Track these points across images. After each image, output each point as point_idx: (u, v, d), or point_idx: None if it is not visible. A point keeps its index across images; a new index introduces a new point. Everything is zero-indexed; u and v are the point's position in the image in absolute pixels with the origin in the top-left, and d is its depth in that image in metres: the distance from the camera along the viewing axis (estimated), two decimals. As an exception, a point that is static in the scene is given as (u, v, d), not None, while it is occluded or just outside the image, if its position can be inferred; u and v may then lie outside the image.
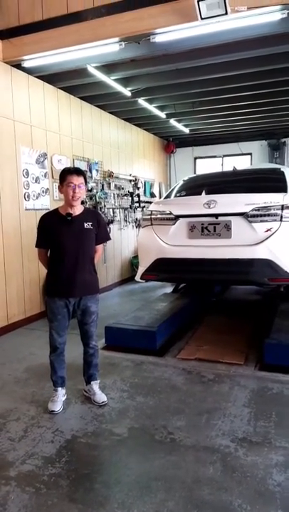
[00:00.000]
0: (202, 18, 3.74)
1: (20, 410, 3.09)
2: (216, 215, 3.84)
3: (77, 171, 2.94)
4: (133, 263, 8.46)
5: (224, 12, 3.65)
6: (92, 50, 4.52)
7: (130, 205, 8.26)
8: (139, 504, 2.07)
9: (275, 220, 3.68)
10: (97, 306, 3.13)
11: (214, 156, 10.37)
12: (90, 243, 3.02)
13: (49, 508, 2.07)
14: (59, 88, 6.03)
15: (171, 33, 4.13)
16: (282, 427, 2.75)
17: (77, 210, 3.00)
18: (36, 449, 2.57)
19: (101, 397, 3.16)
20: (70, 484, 2.24)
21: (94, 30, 4.31)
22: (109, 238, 3.28)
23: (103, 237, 3.17)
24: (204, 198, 3.99)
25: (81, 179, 2.92)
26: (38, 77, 5.51)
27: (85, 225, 2.98)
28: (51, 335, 3.08)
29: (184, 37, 4.16)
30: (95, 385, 3.21)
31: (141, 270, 4.27)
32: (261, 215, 3.69)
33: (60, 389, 3.12)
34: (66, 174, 2.91)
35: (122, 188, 7.99)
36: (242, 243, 3.76)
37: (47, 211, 3.15)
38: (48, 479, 2.29)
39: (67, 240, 2.93)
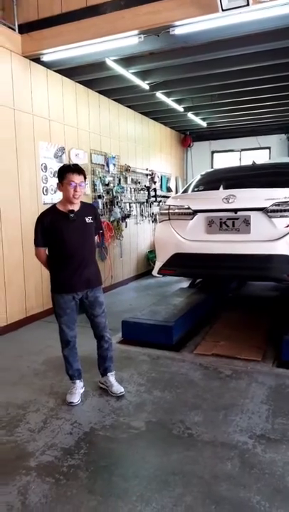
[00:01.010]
0: (223, 10, 3.68)
1: (39, 402, 3.14)
2: (235, 210, 3.79)
3: (78, 169, 2.90)
4: (149, 258, 8.46)
5: (246, 3, 3.58)
6: (111, 43, 4.50)
7: (147, 200, 8.25)
8: (157, 498, 2.09)
9: (296, 216, 3.61)
10: (104, 297, 3.19)
11: (232, 150, 10.25)
12: (92, 237, 3.09)
13: (68, 498, 2.10)
14: (77, 82, 6.04)
15: (190, 25, 4.07)
16: (301, 425, 2.72)
17: (77, 206, 2.98)
18: (55, 441, 2.61)
19: (118, 388, 3.19)
20: (89, 476, 2.27)
21: (113, 23, 4.29)
22: (102, 229, 3.32)
23: (99, 228, 3.25)
24: (223, 192, 3.95)
25: (82, 178, 2.90)
26: (56, 71, 5.53)
27: (86, 219, 3.00)
28: (62, 330, 3.10)
29: (203, 29, 4.09)
30: (112, 377, 3.24)
31: (158, 265, 4.26)
32: (281, 211, 3.63)
33: (78, 381, 3.16)
34: (66, 172, 2.87)
35: (139, 183, 7.98)
36: (261, 239, 3.71)
37: (45, 209, 3.10)
38: (67, 470, 2.32)
39: (72, 237, 2.92)
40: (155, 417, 2.87)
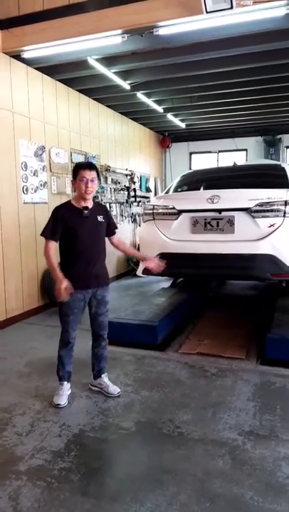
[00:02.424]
0: (207, 12, 3.72)
1: (25, 405, 3.07)
2: (220, 210, 3.84)
3: (90, 166, 2.95)
4: (129, 258, 8.45)
5: (230, 6, 3.63)
6: (94, 41, 4.47)
7: (126, 200, 8.24)
8: (151, 497, 2.08)
9: (278, 216, 3.69)
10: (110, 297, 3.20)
11: (209, 152, 10.37)
12: (103, 235, 3.11)
13: (62, 502, 2.07)
14: (57, 80, 5.96)
15: (174, 26, 4.10)
16: (287, 421, 2.78)
17: (90, 203, 3.01)
18: (44, 444, 2.57)
19: (115, 388, 3.19)
20: (81, 478, 2.24)
21: (96, 21, 4.26)
22: (116, 227, 3.30)
23: (114, 226, 3.25)
24: (207, 192, 3.99)
25: (94, 173, 2.92)
26: (36, 68, 5.44)
27: (98, 218, 3.03)
28: (66, 330, 3.05)
29: (187, 30, 4.14)
30: (106, 378, 3.24)
31: (143, 265, 4.25)
32: (265, 211, 3.70)
33: (65, 383, 3.12)
34: (79, 169, 2.93)
35: (119, 183, 7.96)
36: (245, 238, 3.77)
37: (60, 203, 3.09)
38: (58, 473, 2.28)
39: (84, 233, 2.93)
40: (144, 417, 2.87)
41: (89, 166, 2.95)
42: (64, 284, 2.80)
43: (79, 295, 2.97)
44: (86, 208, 2.97)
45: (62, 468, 2.32)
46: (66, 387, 3.12)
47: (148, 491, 2.13)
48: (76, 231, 2.92)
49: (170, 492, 2.12)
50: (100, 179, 3.04)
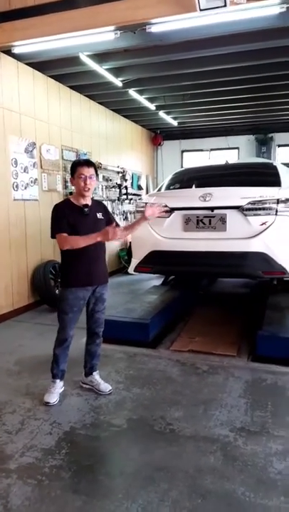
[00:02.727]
0: (201, 10, 3.70)
1: (15, 403, 3.04)
2: (212, 208, 3.84)
3: (88, 163, 2.94)
4: (120, 256, 8.44)
5: (223, 4, 3.62)
6: (86, 38, 4.42)
7: (118, 197, 8.22)
8: (143, 494, 2.08)
9: (270, 214, 3.70)
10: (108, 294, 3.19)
11: (201, 150, 10.39)
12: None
13: (52, 499, 2.05)
14: (49, 76, 5.92)
15: (167, 24, 4.08)
16: (278, 417, 2.80)
17: (89, 201, 2.99)
18: (35, 442, 2.54)
19: (106, 385, 3.18)
20: (72, 476, 2.23)
21: (89, 17, 4.21)
22: (116, 222, 3.22)
23: (113, 220, 3.20)
24: (200, 190, 3.99)
25: (92, 170, 2.90)
26: (27, 64, 5.40)
27: (98, 215, 3.01)
28: (63, 328, 3.02)
29: (180, 28, 4.12)
30: (97, 375, 3.23)
31: (135, 262, 4.25)
32: (256, 209, 3.72)
33: (58, 381, 3.09)
34: (77, 166, 2.91)
35: (110, 180, 7.93)
36: (237, 236, 3.78)
37: (59, 201, 3.07)
38: (49, 471, 2.27)
39: (85, 231, 2.87)
40: (136, 414, 2.86)
41: (87, 162, 2.94)
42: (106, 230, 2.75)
43: (80, 293, 2.95)
44: (86, 205, 2.95)
45: (53, 466, 2.31)
46: (58, 386, 3.10)
47: (140, 487, 2.13)
48: (77, 229, 2.87)
49: (162, 489, 2.12)
50: (97, 176, 3.00)
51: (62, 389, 3.14)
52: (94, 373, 3.23)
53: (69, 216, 2.88)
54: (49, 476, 2.22)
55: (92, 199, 3.06)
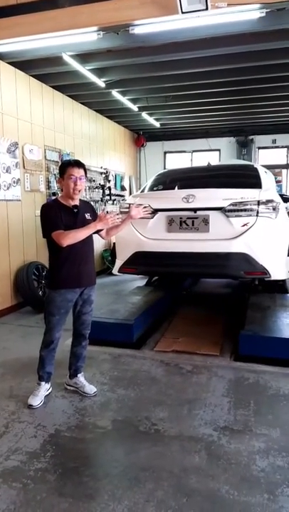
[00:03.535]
0: (183, 12, 3.73)
1: (-2, 406, 3.02)
2: (195, 210, 3.88)
3: (78, 164, 2.91)
4: (104, 256, 8.42)
5: (205, 7, 3.66)
6: (69, 38, 4.41)
7: (101, 198, 8.20)
8: (129, 495, 2.09)
9: (252, 215, 3.77)
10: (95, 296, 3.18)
11: (184, 151, 10.46)
12: (91, 235, 3.01)
13: (38, 503, 2.05)
14: (31, 76, 5.87)
15: (150, 25, 4.10)
16: (261, 415, 2.85)
17: (78, 202, 2.98)
18: (19, 445, 2.53)
19: (91, 387, 3.17)
20: (57, 478, 2.22)
21: (72, 17, 4.20)
22: None
23: None
24: (183, 192, 4.02)
25: (82, 171, 2.88)
26: (9, 63, 5.34)
27: (86, 216, 2.99)
28: (49, 330, 2.99)
29: (163, 30, 4.15)
30: (82, 377, 3.22)
31: (119, 263, 4.26)
32: (238, 210, 3.77)
33: (43, 383, 3.07)
34: (66, 166, 2.88)
35: (94, 181, 7.91)
36: (219, 237, 3.83)
37: (47, 201, 3.03)
38: (34, 474, 2.25)
39: None
40: (120, 415, 2.87)
41: (77, 163, 2.91)
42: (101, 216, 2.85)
43: (68, 295, 2.94)
44: (76, 206, 2.93)
45: (39, 469, 2.30)
46: (44, 388, 3.07)
47: (126, 488, 2.14)
48: (67, 229, 2.83)
49: (147, 489, 2.13)
50: (87, 177, 3.00)
51: (49, 391, 3.13)
52: (79, 375, 3.22)
53: (60, 217, 2.86)
54: (34, 479, 2.21)
55: (80, 199, 3.04)
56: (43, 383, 3.07)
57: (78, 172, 2.86)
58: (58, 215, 2.85)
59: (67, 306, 2.99)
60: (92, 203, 7.76)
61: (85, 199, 7.46)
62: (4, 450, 2.47)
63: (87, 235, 2.87)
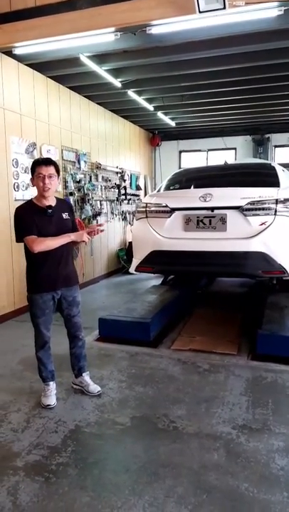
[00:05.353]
0: (200, 12, 3.73)
1: (19, 401, 3.08)
2: (212, 209, 3.89)
3: (46, 161, 2.83)
4: (119, 255, 8.47)
5: (222, 6, 3.65)
6: (87, 39, 4.45)
7: (117, 198, 8.25)
8: (149, 490, 2.12)
9: (269, 214, 3.76)
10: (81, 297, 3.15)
11: (199, 150, 10.43)
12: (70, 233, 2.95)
13: (60, 496, 2.09)
14: (48, 77, 5.94)
15: (167, 25, 4.10)
16: (279, 414, 2.84)
17: (52, 201, 2.91)
18: (41, 439, 2.58)
19: (95, 386, 3.18)
20: (79, 473, 2.27)
21: (89, 19, 4.24)
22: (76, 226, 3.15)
23: (76, 223, 3.16)
24: (200, 191, 4.03)
25: (51, 169, 2.80)
26: (28, 65, 5.42)
27: (63, 215, 2.93)
28: (39, 331, 3.01)
29: (180, 29, 4.15)
30: (87, 376, 3.22)
31: (136, 262, 4.29)
32: (256, 209, 3.77)
33: (51, 383, 3.09)
34: (35, 165, 2.82)
35: (109, 180, 7.96)
36: (237, 236, 3.83)
37: (22, 203, 2.94)
38: (56, 468, 2.30)
39: (50, 233, 2.82)
40: (139, 412, 2.90)
41: (45, 161, 2.83)
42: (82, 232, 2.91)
43: (49, 296, 2.93)
44: (50, 206, 2.85)
45: (60, 464, 2.35)
46: (52, 387, 3.10)
47: (146, 484, 2.17)
48: (40, 231, 2.78)
49: (167, 485, 2.16)
50: (59, 175, 2.89)
51: (56, 390, 3.14)
52: (84, 374, 3.21)
53: (31, 219, 2.79)
54: (56, 473, 2.26)
55: (56, 198, 2.97)
56: (50, 383, 3.08)
57: (47, 170, 2.77)
58: (31, 218, 2.78)
59: (50, 306, 2.96)
60: (107, 202, 7.85)
61: (101, 198, 7.54)
62: (26, 444, 2.53)
63: (62, 244, 2.82)
